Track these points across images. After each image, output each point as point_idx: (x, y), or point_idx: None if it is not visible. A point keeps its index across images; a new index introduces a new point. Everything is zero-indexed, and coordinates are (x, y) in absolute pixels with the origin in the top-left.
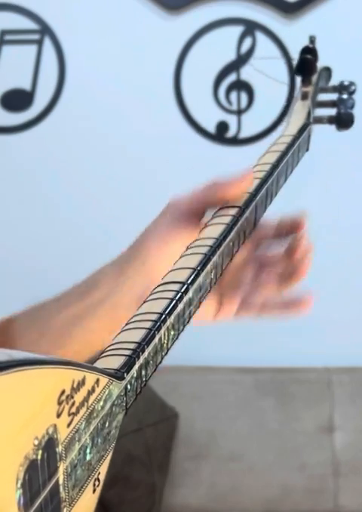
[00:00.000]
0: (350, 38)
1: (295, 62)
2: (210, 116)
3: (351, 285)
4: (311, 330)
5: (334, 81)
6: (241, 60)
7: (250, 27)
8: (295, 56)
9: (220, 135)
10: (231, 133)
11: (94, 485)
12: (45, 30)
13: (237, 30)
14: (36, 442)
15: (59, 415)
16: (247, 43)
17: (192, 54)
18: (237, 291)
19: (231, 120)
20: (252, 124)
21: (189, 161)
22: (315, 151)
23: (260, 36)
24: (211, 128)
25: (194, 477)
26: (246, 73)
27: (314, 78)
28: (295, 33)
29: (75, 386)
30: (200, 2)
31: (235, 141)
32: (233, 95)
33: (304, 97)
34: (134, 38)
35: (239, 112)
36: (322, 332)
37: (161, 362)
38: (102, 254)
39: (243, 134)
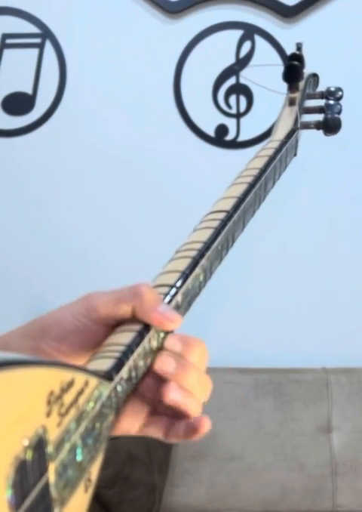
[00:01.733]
0: (347, 42)
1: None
2: (209, 119)
3: (348, 288)
4: (309, 331)
5: (332, 83)
6: (240, 63)
7: (249, 31)
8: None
9: (219, 138)
10: (230, 136)
11: (86, 485)
12: (46, 34)
13: (236, 34)
14: (26, 443)
15: (48, 416)
16: (246, 47)
17: (192, 58)
18: (137, 411)
19: (231, 123)
20: (251, 127)
21: (189, 164)
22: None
23: (259, 40)
24: (210, 131)
25: (193, 477)
26: (244, 78)
27: (302, 84)
28: (293, 37)
29: (63, 386)
30: (200, 6)
31: (234, 144)
32: (232, 98)
33: (291, 103)
34: (134, 42)
35: (238, 116)
36: (320, 333)
37: (151, 364)
38: (102, 255)
39: (243, 137)
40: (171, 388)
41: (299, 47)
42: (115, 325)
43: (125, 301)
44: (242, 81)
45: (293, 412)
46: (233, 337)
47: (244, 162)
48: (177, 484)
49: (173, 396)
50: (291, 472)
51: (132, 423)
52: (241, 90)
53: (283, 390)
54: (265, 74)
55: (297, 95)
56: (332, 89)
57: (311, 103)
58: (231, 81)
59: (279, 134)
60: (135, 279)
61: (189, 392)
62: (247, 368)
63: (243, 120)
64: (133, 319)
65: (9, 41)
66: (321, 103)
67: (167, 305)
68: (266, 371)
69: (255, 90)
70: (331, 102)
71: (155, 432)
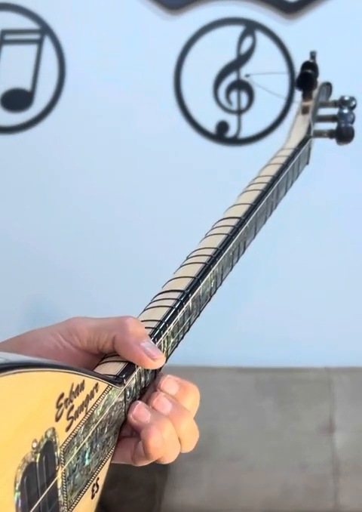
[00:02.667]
0: (349, 37)
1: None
2: (210, 116)
3: (350, 286)
4: (311, 330)
5: (333, 80)
6: (242, 60)
7: (250, 27)
8: (294, 55)
9: (220, 135)
10: (231, 132)
11: (93, 490)
12: (45, 30)
13: (237, 30)
14: (34, 445)
15: (57, 419)
16: (247, 43)
17: (192, 54)
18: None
19: (232, 120)
20: (252, 123)
21: (189, 161)
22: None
23: (260, 36)
24: (211, 127)
25: (194, 477)
26: (246, 75)
27: (315, 92)
28: (295, 33)
29: (73, 390)
30: (201, 2)
31: (235, 141)
32: (233, 95)
33: (304, 111)
34: (134, 38)
35: (239, 112)
36: (322, 332)
37: (160, 369)
38: (101, 253)
39: (244, 134)
40: (153, 434)
41: (312, 55)
42: (97, 354)
43: (107, 329)
44: (244, 76)
45: (295, 412)
46: (234, 336)
47: (245, 159)
48: (178, 484)
49: (154, 443)
50: (293, 472)
51: None
52: (242, 86)
53: (284, 389)
54: (266, 70)
55: (310, 103)
56: (346, 98)
57: (324, 111)
58: (232, 77)
59: (292, 142)
60: (131, 274)
61: (179, 439)
62: (248, 368)
63: (244, 116)
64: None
65: (8, 37)
66: (334, 111)
67: (152, 342)
68: (267, 371)
69: (256, 86)
70: (344, 111)
71: (123, 457)
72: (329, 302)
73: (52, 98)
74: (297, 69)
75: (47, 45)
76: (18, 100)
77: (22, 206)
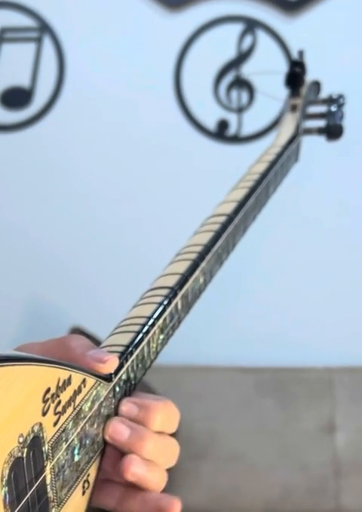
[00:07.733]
0: (350, 36)
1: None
2: (210, 114)
3: (351, 286)
4: (312, 330)
5: (333, 79)
6: (242, 57)
7: (251, 25)
8: (294, 53)
9: (221, 133)
10: (231, 131)
11: (83, 486)
12: (44, 28)
13: (237, 28)
14: (21, 440)
15: (44, 413)
16: (248, 41)
17: (193, 52)
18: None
19: (232, 118)
20: (252, 122)
21: (189, 160)
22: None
23: (261, 34)
24: (211, 125)
25: (194, 477)
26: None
27: (303, 90)
28: (295, 31)
29: (60, 384)
30: (200, 0)
31: (236, 139)
32: (233, 93)
33: (293, 109)
34: (134, 36)
35: (239, 110)
36: (323, 332)
37: (150, 366)
38: (101, 251)
39: (244, 132)
40: (133, 461)
41: (300, 54)
42: None
43: (51, 352)
44: (245, 74)
45: (296, 412)
46: (234, 335)
47: (246, 157)
48: (178, 484)
49: (135, 470)
50: (293, 472)
51: None
52: (243, 84)
53: (285, 389)
54: (266, 69)
55: (299, 101)
56: (335, 96)
57: (313, 109)
58: (233, 75)
59: (281, 140)
60: (129, 272)
61: (149, 462)
62: (249, 368)
63: (244, 114)
64: None
65: (7, 35)
66: (324, 109)
67: (99, 349)
68: (268, 371)
69: (256, 84)
70: (333, 108)
71: (104, 501)
72: (330, 302)
73: (51, 96)
74: None
75: (47, 43)
76: (17, 98)
77: (21, 205)
